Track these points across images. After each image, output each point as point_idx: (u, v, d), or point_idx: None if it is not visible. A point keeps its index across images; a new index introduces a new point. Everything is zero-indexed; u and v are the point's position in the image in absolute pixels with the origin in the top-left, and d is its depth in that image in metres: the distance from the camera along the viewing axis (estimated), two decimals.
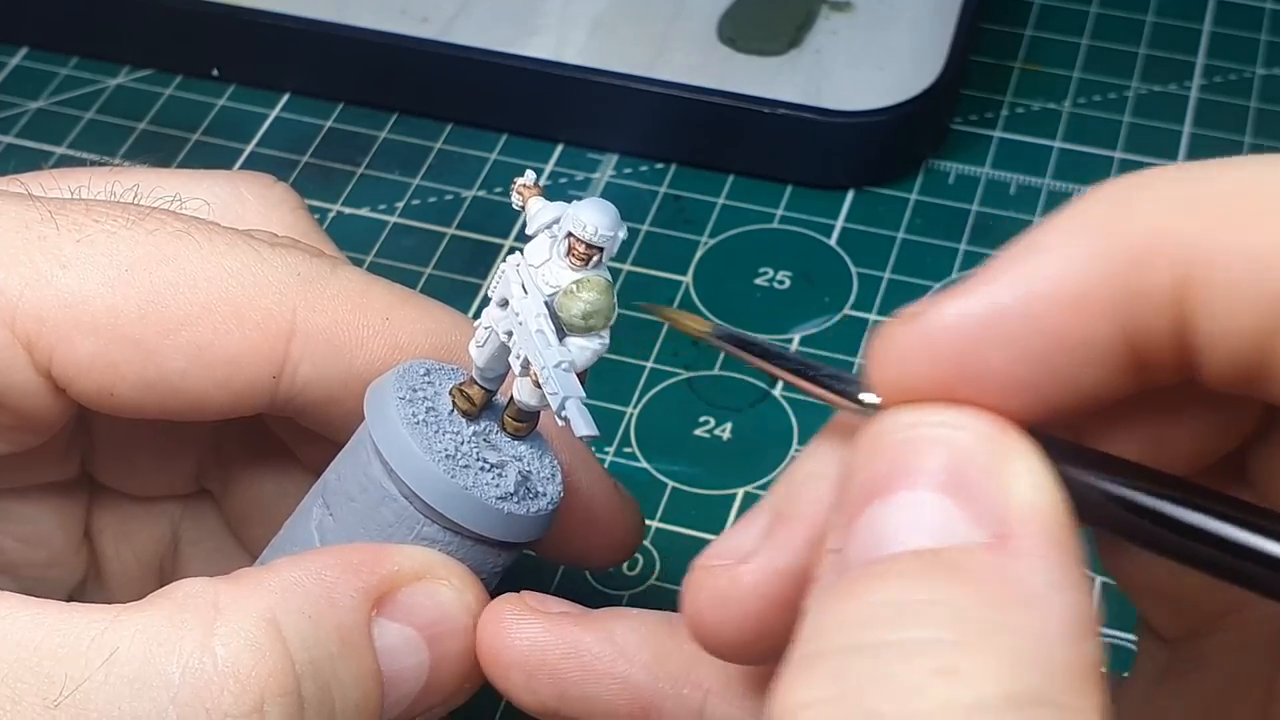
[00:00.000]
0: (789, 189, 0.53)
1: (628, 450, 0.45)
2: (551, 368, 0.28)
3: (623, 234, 0.29)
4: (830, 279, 0.50)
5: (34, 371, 0.31)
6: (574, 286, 0.29)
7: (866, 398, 0.24)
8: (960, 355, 0.23)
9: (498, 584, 0.32)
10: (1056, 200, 0.52)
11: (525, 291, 0.29)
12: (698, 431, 0.46)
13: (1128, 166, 0.53)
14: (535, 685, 0.29)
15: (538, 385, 0.29)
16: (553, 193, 0.55)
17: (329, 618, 0.28)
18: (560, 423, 0.28)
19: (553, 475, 0.32)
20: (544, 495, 0.31)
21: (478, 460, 0.31)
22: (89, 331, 0.30)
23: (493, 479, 0.31)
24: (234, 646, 0.26)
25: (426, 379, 0.32)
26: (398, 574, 0.29)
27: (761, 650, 0.26)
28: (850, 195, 0.53)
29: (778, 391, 0.47)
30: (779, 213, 0.52)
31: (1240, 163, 0.22)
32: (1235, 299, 0.21)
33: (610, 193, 0.53)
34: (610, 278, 0.29)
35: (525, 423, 0.31)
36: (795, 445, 0.45)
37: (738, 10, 0.55)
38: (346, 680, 0.27)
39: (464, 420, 0.31)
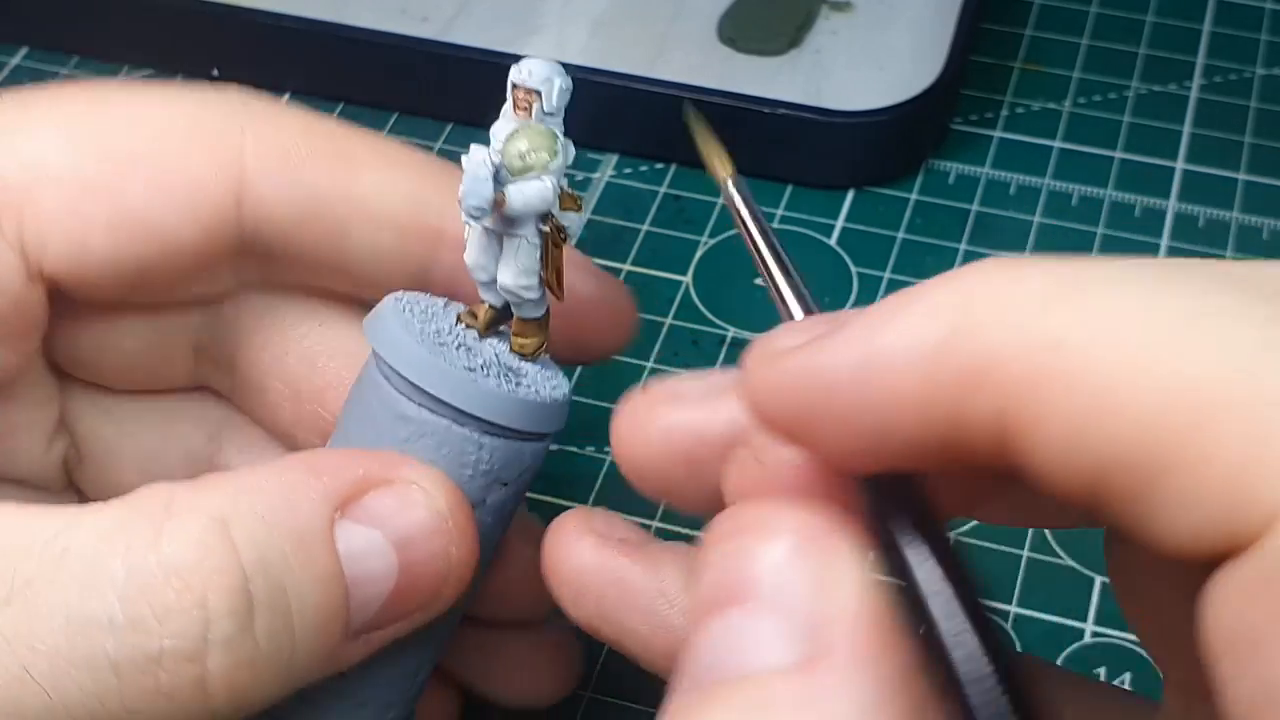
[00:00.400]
0: (789, 189, 0.53)
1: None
2: (468, 180, 0.29)
3: (561, 82, 0.30)
4: (830, 279, 0.50)
5: (6, 246, 0.31)
6: (514, 132, 0.29)
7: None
8: (796, 405, 0.23)
9: (500, 495, 0.31)
10: (1056, 200, 0.52)
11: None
12: None
13: (1128, 166, 0.53)
14: (580, 603, 0.29)
15: (512, 258, 0.30)
16: None
17: (285, 518, 0.27)
18: (464, 205, 0.29)
19: (553, 387, 0.31)
20: (529, 388, 0.31)
21: (456, 343, 0.31)
22: (51, 182, 0.31)
23: (465, 356, 0.30)
24: (178, 544, 0.26)
25: (444, 306, 0.32)
26: (364, 478, 0.29)
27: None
28: (850, 195, 0.53)
29: None
30: (779, 213, 0.52)
31: (1097, 282, 0.20)
32: (1058, 446, 0.20)
33: (610, 193, 0.53)
34: (557, 130, 0.30)
35: (529, 337, 0.31)
36: None
37: (738, 10, 0.55)
38: (303, 580, 0.27)
39: (464, 331, 0.31)
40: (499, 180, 0.29)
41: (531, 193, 0.29)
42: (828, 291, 0.50)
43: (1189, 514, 0.19)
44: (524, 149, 0.29)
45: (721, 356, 0.48)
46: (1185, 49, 0.58)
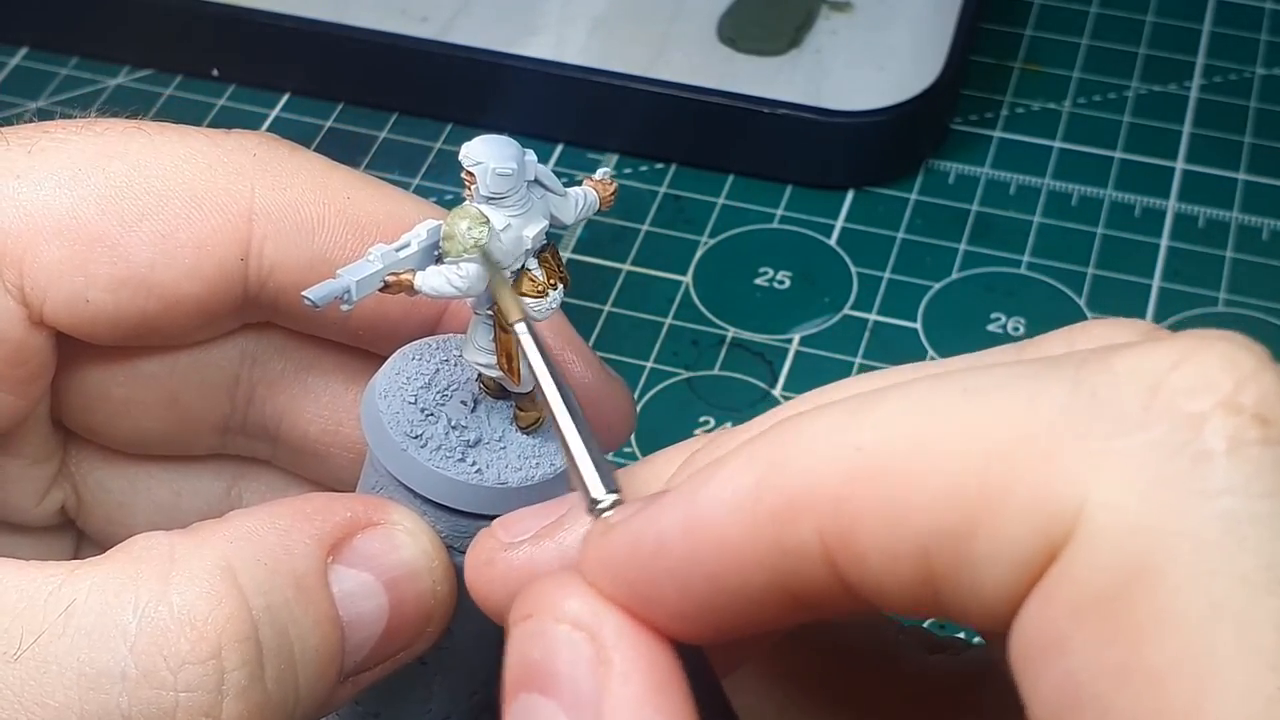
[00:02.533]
0: (789, 189, 0.53)
1: (627, 450, 0.45)
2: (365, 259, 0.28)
3: (496, 166, 0.29)
4: (830, 279, 0.50)
5: (5, 294, 0.30)
6: (453, 211, 0.29)
7: (604, 499, 0.24)
8: (635, 577, 0.23)
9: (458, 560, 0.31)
10: (1056, 200, 0.52)
11: None
12: (698, 431, 0.46)
13: (1128, 166, 0.54)
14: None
15: (471, 336, 0.29)
16: None
17: (284, 564, 0.27)
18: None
19: (518, 469, 0.30)
20: (473, 466, 0.30)
21: (431, 406, 0.30)
22: (53, 235, 0.30)
23: (419, 420, 0.30)
24: (189, 595, 0.26)
25: (458, 364, 0.31)
26: (351, 520, 0.29)
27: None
28: (850, 195, 0.53)
29: (777, 391, 0.47)
30: (779, 213, 0.52)
31: (885, 393, 0.22)
32: (878, 544, 0.21)
33: None
34: (492, 213, 0.29)
35: (525, 411, 0.31)
36: None
37: (738, 10, 0.55)
38: (305, 625, 0.27)
39: (484, 393, 0.31)
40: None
41: (436, 278, 0.28)
42: (828, 292, 0.50)
43: (1005, 557, 0.20)
44: (446, 231, 0.28)
45: (721, 356, 0.48)
46: (1185, 49, 0.58)
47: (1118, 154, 0.54)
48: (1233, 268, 0.50)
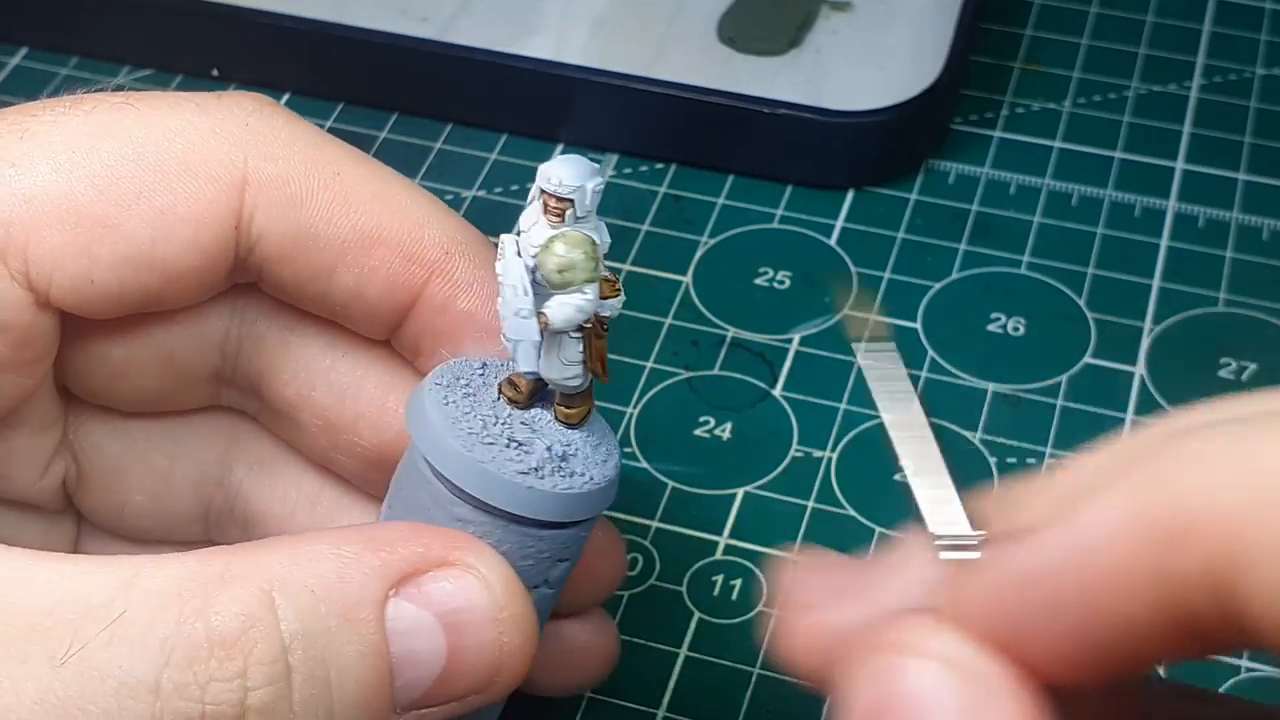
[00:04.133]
0: (789, 189, 0.53)
1: (628, 450, 0.45)
2: (511, 316, 0.29)
3: (593, 185, 0.29)
4: (830, 279, 0.50)
5: (11, 282, 0.31)
6: (550, 242, 0.29)
7: (966, 538, 0.24)
8: (1009, 614, 0.23)
9: (560, 569, 0.31)
10: (1056, 200, 0.52)
11: (515, 255, 0.29)
12: (698, 431, 0.46)
13: (1127, 166, 0.54)
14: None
15: (555, 353, 0.29)
16: None
17: (335, 592, 0.28)
18: (513, 363, 0.29)
19: (605, 459, 0.31)
20: (583, 475, 0.31)
21: (505, 438, 0.30)
22: (53, 221, 0.31)
23: (517, 455, 0.30)
24: (226, 615, 0.27)
25: (480, 371, 0.31)
26: (423, 556, 0.29)
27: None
28: (850, 195, 0.53)
29: (777, 391, 0.47)
30: (779, 213, 0.52)
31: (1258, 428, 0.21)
32: (1275, 591, 0.20)
33: (610, 193, 0.53)
34: (592, 233, 0.29)
35: (575, 408, 0.31)
36: (795, 445, 0.45)
37: (738, 10, 0.55)
38: (347, 655, 0.28)
39: (510, 407, 0.31)
40: (536, 288, 0.29)
41: (571, 309, 0.29)
42: (828, 292, 0.50)
43: None
44: (561, 264, 0.29)
45: (721, 356, 0.48)
46: (1185, 49, 0.58)
47: (1118, 154, 0.54)
48: (1233, 268, 0.50)
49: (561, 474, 0.30)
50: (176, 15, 0.56)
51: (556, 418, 0.31)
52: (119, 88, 0.57)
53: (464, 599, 0.29)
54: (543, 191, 0.29)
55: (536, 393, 0.31)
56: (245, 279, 0.34)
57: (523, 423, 0.31)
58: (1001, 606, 0.23)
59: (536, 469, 0.30)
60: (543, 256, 0.29)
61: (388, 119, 0.56)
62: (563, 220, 0.29)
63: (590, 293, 0.29)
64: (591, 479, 0.31)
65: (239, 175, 0.32)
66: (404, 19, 0.55)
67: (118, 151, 0.31)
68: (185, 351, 0.35)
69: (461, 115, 0.55)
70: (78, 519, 0.36)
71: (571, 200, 0.29)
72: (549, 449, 0.30)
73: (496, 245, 0.30)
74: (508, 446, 0.30)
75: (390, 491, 0.32)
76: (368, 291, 0.33)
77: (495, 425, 0.30)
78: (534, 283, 0.29)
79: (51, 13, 0.58)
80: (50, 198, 0.31)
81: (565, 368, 0.30)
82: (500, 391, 0.31)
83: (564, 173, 0.29)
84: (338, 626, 0.27)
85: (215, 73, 0.57)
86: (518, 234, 0.30)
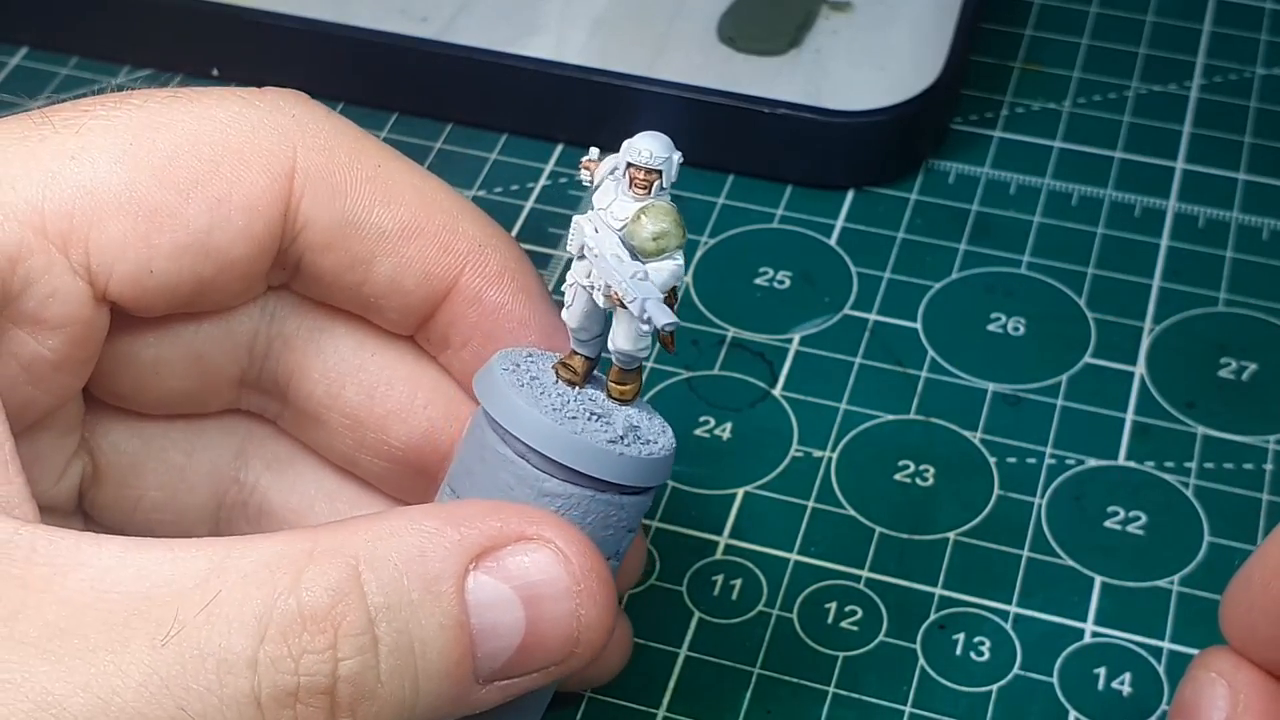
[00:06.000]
0: (789, 189, 0.53)
1: None
2: (628, 278, 0.30)
3: (678, 157, 0.31)
4: (830, 279, 0.50)
5: (74, 275, 0.31)
6: (640, 213, 0.30)
7: None
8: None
9: (629, 541, 0.33)
10: (1056, 200, 0.52)
11: (598, 231, 0.31)
12: (698, 431, 0.46)
13: (1128, 166, 0.54)
14: None
15: (630, 324, 0.31)
16: (553, 193, 0.55)
17: (416, 566, 0.28)
18: (644, 326, 0.30)
19: (663, 429, 0.33)
20: (656, 443, 0.32)
21: (584, 412, 0.32)
22: (114, 211, 0.31)
23: (601, 426, 0.32)
24: (316, 590, 0.28)
25: (529, 359, 0.33)
26: (502, 530, 0.30)
27: None
28: (850, 195, 0.53)
29: (777, 391, 0.47)
30: (779, 213, 0.52)
31: None
32: None
33: None
34: (673, 203, 0.31)
35: (629, 384, 0.32)
36: (795, 445, 0.45)
37: (738, 10, 0.55)
38: (429, 626, 0.28)
39: (568, 388, 0.32)
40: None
41: (668, 274, 0.30)
42: (828, 292, 0.50)
43: None
44: (655, 231, 0.30)
45: (721, 357, 0.48)
46: (1185, 49, 0.58)
47: (1118, 154, 0.54)
48: (1233, 268, 0.50)
49: (641, 442, 0.32)
50: (176, 15, 0.56)
51: (610, 395, 0.33)
52: (119, 87, 0.57)
53: (541, 573, 0.30)
54: (630, 165, 0.31)
55: (590, 373, 0.33)
56: (281, 279, 0.34)
57: (590, 400, 0.32)
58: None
59: (622, 438, 0.31)
60: (633, 227, 0.30)
61: (388, 119, 0.56)
62: (648, 192, 0.30)
63: (680, 259, 0.30)
64: (663, 446, 0.32)
65: (289, 165, 0.33)
66: (404, 19, 0.55)
67: (173, 142, 0.32)
68: (214, 352, 0.35)
69: (461, 115, 0.55)
70: (84, 520, 0.36)
71: (660, 171, 0.30)
72: (627, 421, 0.32)
73: (571, 233, 0.32)
74: (590, 419, 0.31)
75: (454, 480, 0.33)
76: (405, 282, 0.34)
77: (572, 403, 0.32)
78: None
79: (51, 13, 0.58)
80: (111, 189, 0.31)
81: (639, 338, 0.31)
82: (557, 374, 0.32)
83: (653, 145, 0.30)
84: (420, 599, 0.28)
85: (215, 73, 0.57)
86: (590, 214, 0.31)
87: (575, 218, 0.31)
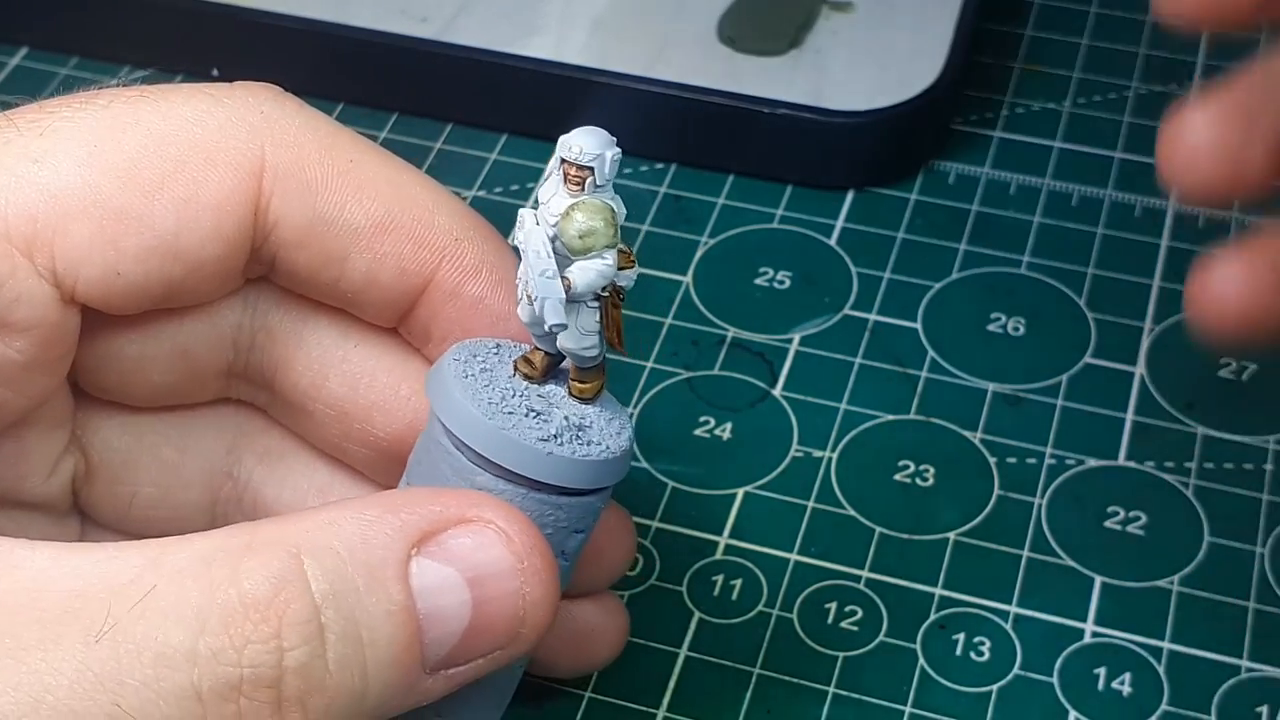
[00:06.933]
0: (789, 189, 0.53)
1: None
2: (536, 276, 0.30)
3: (612, 154, 0.30)
4: (830, 279, 0.50)
5: (39, 278, 0.31)
6: (570, 210, 0.30)
7: None
8: None
9: (576, 541, 0.32)
10: (1056, 200, 0.52)
11: (538, 224, 0.30)
12: (698, 431, 0.46)
13: (1128, 166, 0.54)
14: None
15: (580, 327, 0.30)
16: None
17: (360, 553, 0.28)
18: (545, 325, 0.30)
19: (619, 432, 0.32)
20: (599, 445, 0.32)
21: (523, 408, 0.31)
22: (79, 215, 0.31)
23: (536, 423, 0.31)
24: (257, 579, 0.27)
25: (495, 351, 0.32)
26: (442, 515, 0.29)
27: None
28: (850, 195, 0.53)
29: (777, 391, 0.47)
30: (779, 213, 0.52)
31: None
32: None
33: None
34: (610, 202, 0.30)
35: (589, 383, 0.32)
36: (795, 445, 0.45)
37: (738, 10, 0.55)
38: (375, 613, 0.28)
39: (525, 382, 0.32)
40: (557, 257, 0.30)
41: (594, 274, 0.30)
42: (828, 292, 0.50)
43: None
44: (582, 229, 0.30)
45: (721, 356, 0.48)
46: (1185, 49, 0.58)
47: (1118, 154, 0.54)
48: None
49: (579, 442, 0.31)
50: (176, 15, 0.56)
51: (570, 393, 0.32)
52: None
53: (484, 553, 0.29)
54: (563, 161, 0.30)
55: (551, 369, 0.32)
56: (258, 273, 0.34)
57: (539, 396, 0.32)
58: None
59: (555, 436, 0.31)
60: (563, 224, 0.30)
61: (388, 119, 0.56)
62: (582, 189, 0.30)
63: (610, 259, 0.30)
64: (608, 448, 0.32)
65: (257, 163, 0.32)
66: (404, 19, 0.55)
67: (138, 143, 0.32)
68: (199, 346, 0.35)
69: (461, 115, 0.55)
70: (81, 518, 0.36)
71: (591, 169, 0.30)
72: (566, 418, 0.31)
73: (516, 226, 0.31)
74: (527, 415, 0.31)
75: (408, 470, 0.33)
76: (380, 277, 0.34)
77: (514, 397, 0.31)
78: (555, 251, 0.30)
79: (51, 13, 0.58)
80: (75, 191, 0.31)
81: (583, 337, 0.31)
82: (516, 368, 0.32)
83: (585, 142, 0.30)
84: (365, 586, 0.28)
85: (215, 73, 0.57)
86: (534, 206, 0.31)
87: (520, 211, 0.31)
